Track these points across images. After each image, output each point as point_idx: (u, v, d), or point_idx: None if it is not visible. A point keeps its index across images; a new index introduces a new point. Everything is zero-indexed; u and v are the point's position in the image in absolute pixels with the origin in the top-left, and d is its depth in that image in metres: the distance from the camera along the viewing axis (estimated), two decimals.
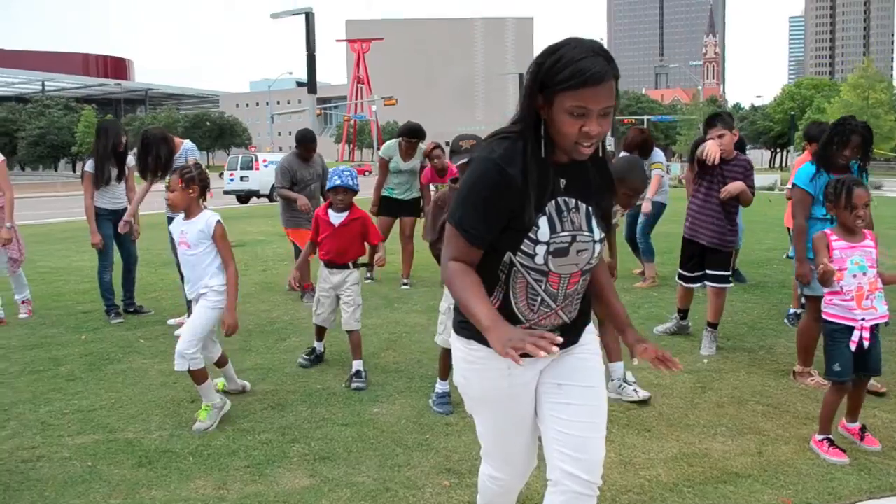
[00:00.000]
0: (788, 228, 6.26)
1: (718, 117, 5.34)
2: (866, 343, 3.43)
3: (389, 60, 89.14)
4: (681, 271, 5.49)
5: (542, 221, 1.93)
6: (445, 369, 4.11)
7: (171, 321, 6.25)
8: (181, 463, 3.49)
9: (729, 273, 5.32)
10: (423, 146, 7.57)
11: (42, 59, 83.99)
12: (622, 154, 7.35)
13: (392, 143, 7.49)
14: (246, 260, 9.76)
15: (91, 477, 3.35)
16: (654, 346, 2.08)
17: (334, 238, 4.71)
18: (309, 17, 20.00)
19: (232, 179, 26.91)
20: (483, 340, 1.97)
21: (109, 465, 3.47)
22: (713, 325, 5.26)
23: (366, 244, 4.90)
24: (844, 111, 53.46)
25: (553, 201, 1.95)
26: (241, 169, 26.81)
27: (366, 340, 5.20)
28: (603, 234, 2.07)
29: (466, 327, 2.06)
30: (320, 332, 5.03)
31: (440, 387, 4.23)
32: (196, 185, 3.96)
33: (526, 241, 1.93)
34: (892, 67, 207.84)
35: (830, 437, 3.53)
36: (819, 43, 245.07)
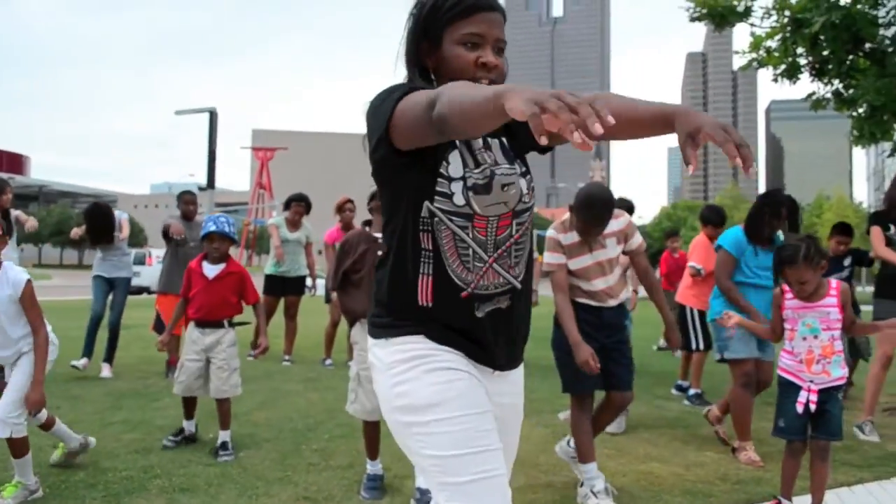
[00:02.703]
0: (681, 305, 6.47)
1: (619, 200, 5.33)
2: (813, 406, 3.20)
3: (294, 170, 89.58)
4: None
5: (454, 156, 1.75)
6: (374, 446, 3.70)
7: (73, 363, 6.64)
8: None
9: None
10: (309, 224, 7.94)
11: None
12: None
13: (282, 217, 7.89)
14: (129, 339, 9.62)
15: None
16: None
17: (207, 293, 4.29)
18: (212, 115, 20.35)
19: None
20: (427, 333, 1.74)
21: None
22: None
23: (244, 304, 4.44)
24: None
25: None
26: (133, 265, 26.07)
27: (240, 402, 5.14)
28: (525, 168, 1.86)
29: (397, 325, 1.77)
30: (188, 406, 4.44)
31: (371, 468, 3.70)
32: (7, 236, 3.53)
33: (439, 180, 1.74)
34: (756, 189, 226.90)
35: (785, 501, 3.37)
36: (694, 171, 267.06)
